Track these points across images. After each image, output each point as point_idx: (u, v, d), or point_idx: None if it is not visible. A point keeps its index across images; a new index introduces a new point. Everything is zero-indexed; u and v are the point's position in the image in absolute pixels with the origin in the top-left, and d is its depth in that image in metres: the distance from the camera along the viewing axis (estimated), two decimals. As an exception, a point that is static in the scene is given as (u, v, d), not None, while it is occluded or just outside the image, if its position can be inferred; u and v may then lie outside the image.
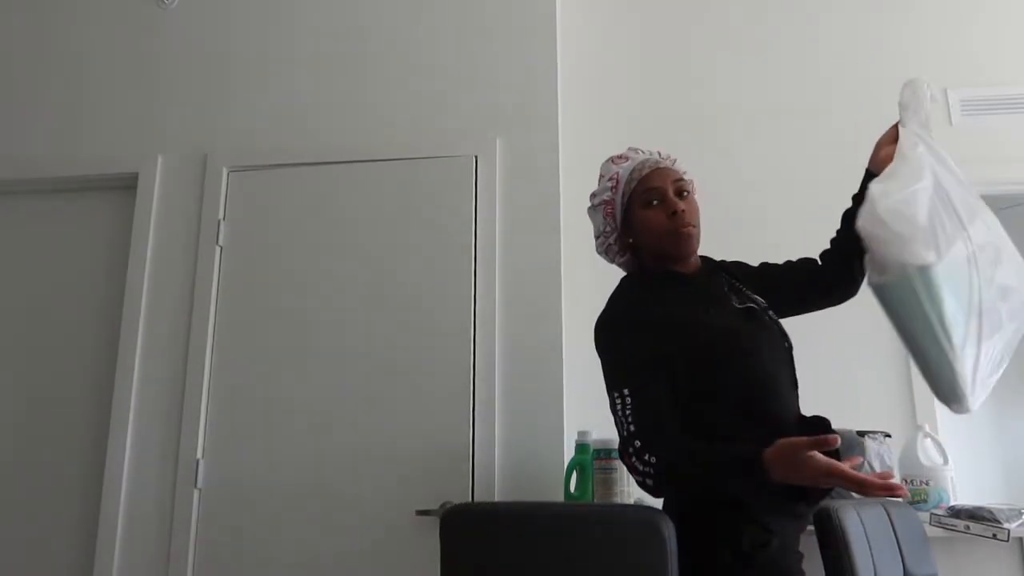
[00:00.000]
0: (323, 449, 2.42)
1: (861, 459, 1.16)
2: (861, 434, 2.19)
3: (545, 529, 1.42)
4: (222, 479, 2.46)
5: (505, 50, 2.71)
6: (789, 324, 1.57)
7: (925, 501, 2.15)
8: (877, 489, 1.10)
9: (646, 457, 1.30)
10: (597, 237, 1.62)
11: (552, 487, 2.28)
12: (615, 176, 1.56)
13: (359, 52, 2.78)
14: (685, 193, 1.52)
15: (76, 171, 2.80)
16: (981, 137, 2.87)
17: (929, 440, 2.28)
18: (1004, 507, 1.96)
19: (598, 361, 1.46)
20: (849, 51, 3.01)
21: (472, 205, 2.55)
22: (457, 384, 2.40)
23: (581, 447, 2.21)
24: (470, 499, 2.29)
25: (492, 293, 2.47)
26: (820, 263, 1.64)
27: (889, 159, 1.38)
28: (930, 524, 1.97)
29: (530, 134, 2.62)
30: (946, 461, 2.24)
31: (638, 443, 1.32)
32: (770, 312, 1.52)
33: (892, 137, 1.47)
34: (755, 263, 1.69)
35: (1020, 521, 1.90)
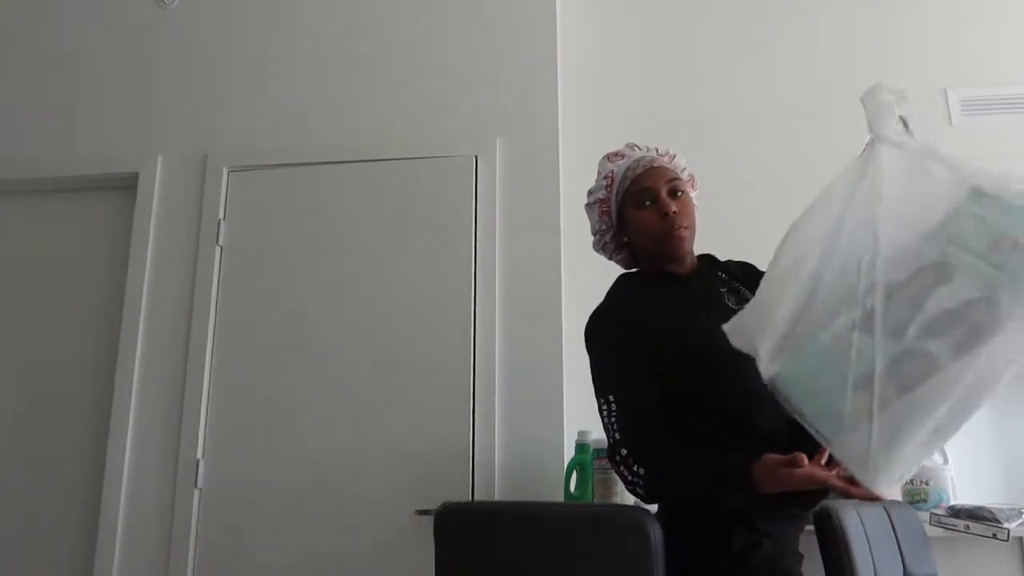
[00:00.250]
0: (323, 449, 2.42)
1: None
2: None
3: (533, 529, 1.43)
4: (222, 479, 2.46)
5: (505, 50, 2.71)
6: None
7: (925, 501, 2.15)
8: (860, 495, 1.10)
9: (635, 468, 1.31)
10: (594, 235, 1.62)
11: (552, 487, 2.28)
12: (610, 174, 1.55)
13: (359, 52, 2.78)
14: (679, 193, 1.50)
15: (76, 171, 2.80)
16: (981, 137, 2.86)
17: (929, 440, 2.27)
18: (1004, 507, 1.96)
19: (595, 361, 1.46)
20: (849, 51, 3.01)
21: (472, 205, 2.55)
22: (457, 384, 2.40)
23: (581, 447, 2.21)
24: (470, 499, 2.29)
25: (492, 293, 2.47)
26: None
27: None
28: (930, 524, 1.97)
29: (530, 134, 2.62)
30: (946, 461, 2.24)
31: (624, 451, 1.33)
32: None
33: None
34: (763, 266, 1.67)
35: (1020, 521, 1.90)
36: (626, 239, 1.57)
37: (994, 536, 1.85)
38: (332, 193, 2.64)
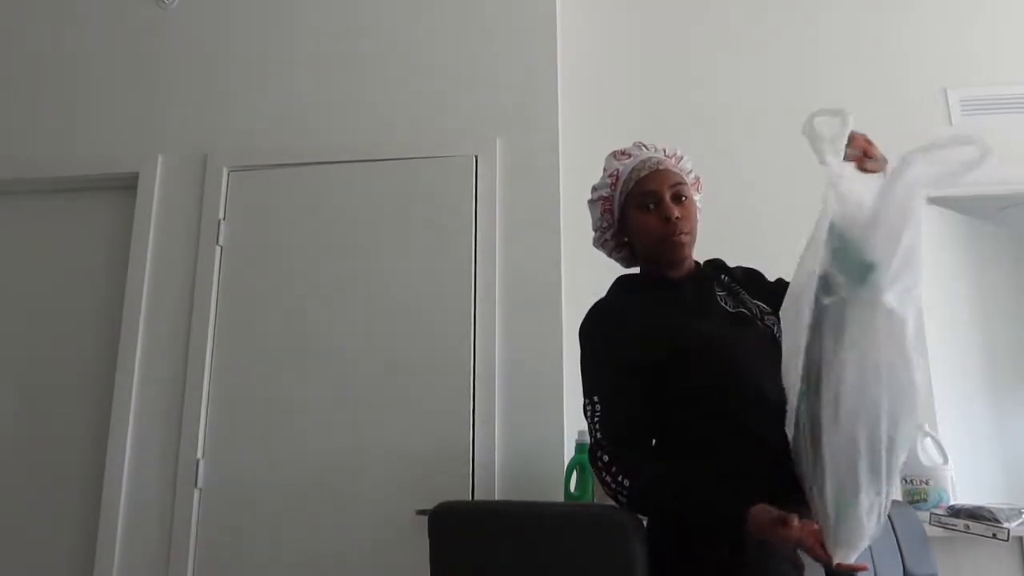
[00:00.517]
0: (323, 449, 2.42)
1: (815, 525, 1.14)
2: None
3: (524, 528, 1.45)
4: (222, 479, 2.46)
5: (505, 50, 2.71)
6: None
7: (925, 501, 2.15)
8: (826, 563, 1.12)
9: (620, 479, 1.31)
10: (594, 231, 1.61)
11: (552, 487, 2.28)
12: (615, 173, 1.53)
13: (359, 52, 2.78)
14: (683, 198, 1.49)
15: (76, 171, 2.80)
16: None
17: (929, 440, 2.28)
18: (1004, 507, 1.96)
19: (598, 361, 1.46)
20: (849, 51, 3.01)
21: (472, 205, 2.55)
22: (457, 384, 2.40)
23: (581, 447, 2.21)
24: (470, 499, 2.29)
25: (492, 293, 2.47)
26: None
27: None
28: (930, 524, 1.97)
29: (530, 134, 2.62)
30: (946, 461, 2.24)
31: (606, 457, 1.33)
32: (767, 318, 1.47)
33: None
34: (761, 268, 1.66)
35: (1020, 521, 1.90)
36: (626, 239, 1.56)
37: (994, 536, 1.85)
38: (332, 193, 2.64)
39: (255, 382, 2.52)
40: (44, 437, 2.62)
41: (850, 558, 1.09)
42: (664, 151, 1.55)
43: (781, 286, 1.54)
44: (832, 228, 1.11)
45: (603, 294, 1.56)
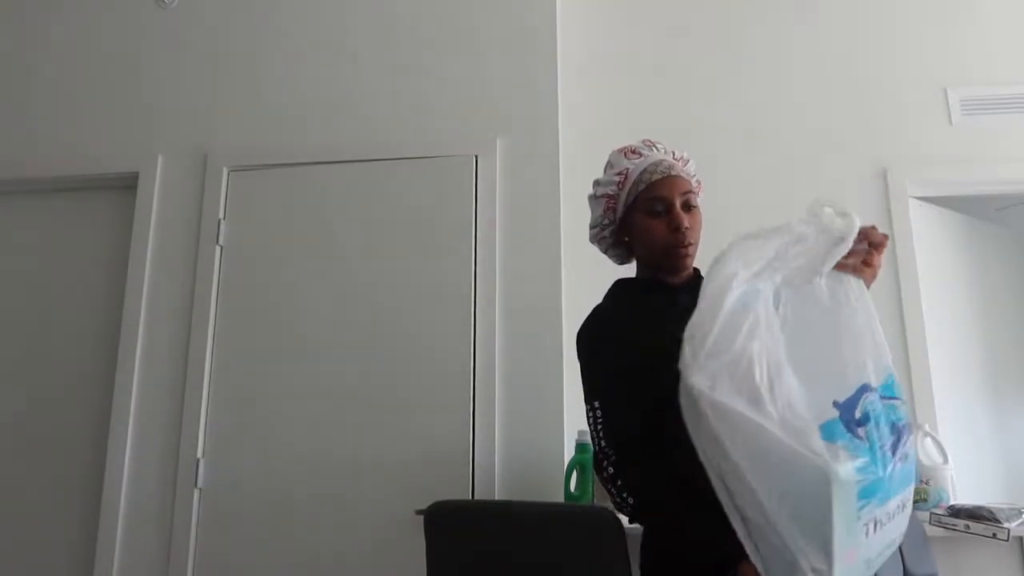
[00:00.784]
0: (323, 449, 2.42)
1: None
2: (861, 434, 2.19)
3: (514, 527, 1.48)
4: (222, 479, 2.46)
5: (505, 50, 2.71)
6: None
7: (925, 501, 2.15)
8: None
9: (624, 495, 1.29)
10: (593, 227, 1.58)
11: (552, 487, 2.28)
12: (624, 172, 1.49)
13: (359, 52, 2.78)
14: (692, 207, 1.46)
15: (76, 171, 2.80)
16: (981, 137, 2.87)
17: (929, 439, 2.28)
18: (1004, 506, 1.96)
19: (598, 361, 1.46)
20: (849, 51, 3.01)
21: (472, 205, 2.55)
22: (457, 384, 2.40)
23: (581, 447, 2.21)
24: (468, 499, 2.29)
25: (492, 293, 2.47)
26: None
27: None
28: (930, 523, 1.97)
29: (530, 134, 2.62)
30: (946, 460, 2.24)
31: (611, 469, 1.31)
32: None
33: None
34: None
35: (1020, 520, 1.90)
36: (626, 239, 1.55)
37: (994, 536, 1.84)
38: (332, 193, 2.64)
39: (255, 382, 2.52)
40: (44, 437, 2.62)
41: None
42: (673, 154, 1.52)
43: None
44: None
45: (603, 294, 1.55)
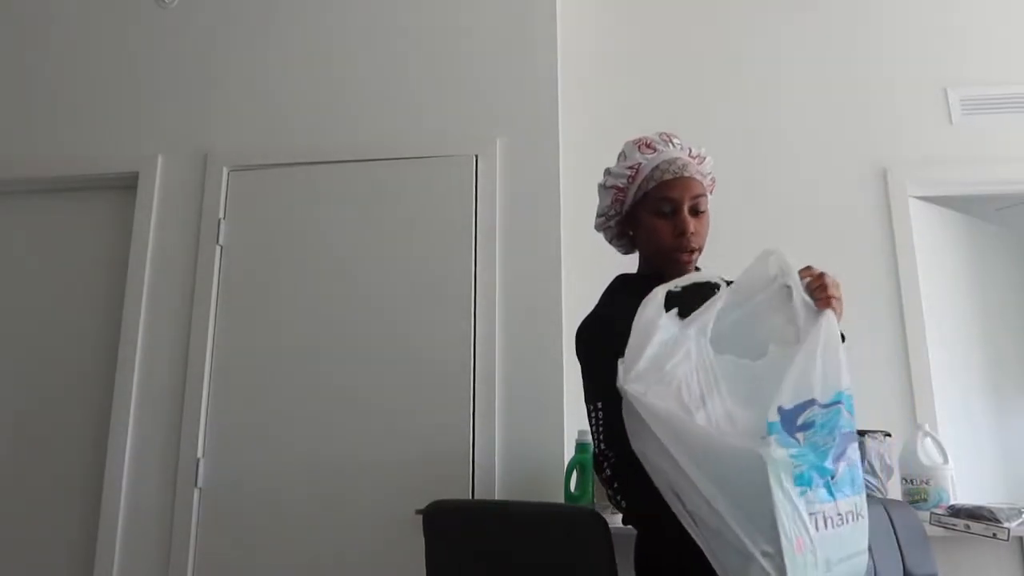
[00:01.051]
0: (323, 449, 2.42)
1: None
2: (861, 433, 2.19)
3: (508, 527, 1.49)
4: (222, 479, 2.46)
5: (505, 50, 2.71)
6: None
7: (925, 500, 2.15)
8: None
9: (619, 499, 1.29)
10: (599, 216, 1.56)
11: (552, 487, 2.28)
12: (636, 166, 1.46)
13: (359, 52, 2.78)
14: (701, 211, 1.44)
15: (76, 171, 2.80)
16: (981, 137, 2.87)
17: (929, 439, 2.28)
18: (1004, 506, 1.96)
19: (598, 361, 1.46)
20: (849, 51, 3.01)
21: (472, 205, 2.55)
22: (457, 384, 2.40)
23: (581, 447, 2.21)
24: (468, 498, 2.29)
25: (492, 293, 2.47)
26: None
27: None
28: (930, 523, 1.97)
29: (530, 134, 2.62)
30: (946, 460, 2.24)
31: (609, 471, 1.30)
32: None
33: None
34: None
35: (1020, 520, 1.90)
36: (631, 232, 1.53)
37: (994, 536, 1.84)
38: (332, 193, 2.64)
39: (255, 382, 2.52)
40: (44, 437, 2.62)
41: None
42: (689, 151, 1.48)
43: None
44: None
45: (603, 293, 1.55)
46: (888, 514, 1.75)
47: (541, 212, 2.55)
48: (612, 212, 1.52)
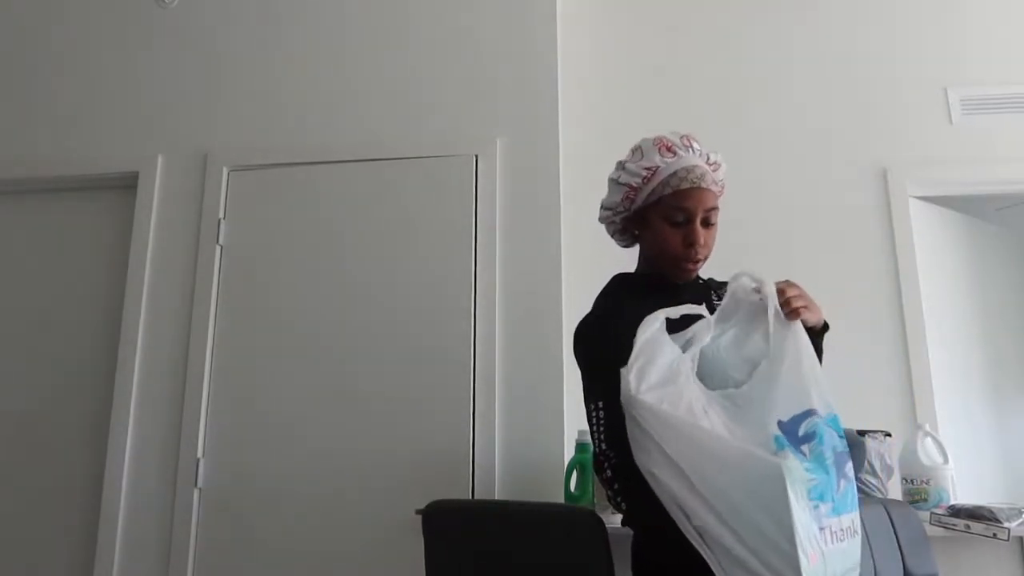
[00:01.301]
0: (323, 449, 2.42)
1: None
2: (861, 433, 2.19)
3: (497, 525, 1.51)
4: (222, 479, 2.46)
5: (505, 50, 2.71)
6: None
7: (925, 500, 2.15)
8: None
9: (618, 500, 1.29)
10: (605, 209, 1.54)
11: (552, 487, 2.28)
12: (654, 168, 1.42)
13: (359, 52, 2.78)
14: (711, 224, 1.43)
15: (76, 171, 2.80)
16: (981, 137, 2.87)
17: (929, 439, 2.28)
18: (1004, 506, 1.96)
19: (598, 361, 1.46)
20: (849, 51, 3.01)
21: (472, 205, 2.55)
22: (457, 384, 2.40)
23: (581, 447, 2.21)
24: (467, 498, 2.29)
25: (492, 293, 2.47)
26: None
27: None
28: (930, 523, 1.97)
29: (530, 134, 2.62)
30: (946, 460, 2.24)
31: (609, 472, 1.29)
32: None
33: None
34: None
35: (1020, 520, 1.90)
36: (636, 232, 1.52)
37: (994, 536, 1.84)
38: (332, 193, 2.64)
39: (255, 382, 2.52)
40: (45, 437, 2.62)
41: None
42: (708, 157, 1.47)
43: None
44: None
45: (600, 294, 1.55)
46: (888, 514, 1.75)
47: (541, 212, 2.55)
48: (620, 208, 1.49)
